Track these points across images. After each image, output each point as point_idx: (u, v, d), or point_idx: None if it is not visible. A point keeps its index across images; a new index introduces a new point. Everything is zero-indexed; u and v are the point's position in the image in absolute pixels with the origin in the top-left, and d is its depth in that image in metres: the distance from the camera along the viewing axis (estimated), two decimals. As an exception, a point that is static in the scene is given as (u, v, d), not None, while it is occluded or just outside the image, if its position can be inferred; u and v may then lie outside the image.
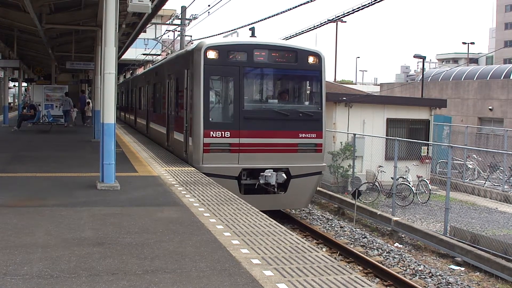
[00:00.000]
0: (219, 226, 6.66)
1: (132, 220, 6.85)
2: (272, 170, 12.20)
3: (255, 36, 13.47)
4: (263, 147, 12.32)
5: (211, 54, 12.03)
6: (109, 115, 9.14)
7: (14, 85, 52.52)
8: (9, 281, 4.53)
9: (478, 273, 10.69)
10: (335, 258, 10.59)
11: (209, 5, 24.20)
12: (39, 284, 4.49)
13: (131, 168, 11.69)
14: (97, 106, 17.61)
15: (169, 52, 27.22)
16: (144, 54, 36.19)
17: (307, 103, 13.42)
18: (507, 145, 23.14)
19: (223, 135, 12.04)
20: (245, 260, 5.33)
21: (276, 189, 12.42)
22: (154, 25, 36.36)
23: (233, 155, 12.14)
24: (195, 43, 13.37)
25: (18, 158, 13.31)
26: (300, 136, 12.55)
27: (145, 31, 23.88)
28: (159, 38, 36.19)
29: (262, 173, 12.19)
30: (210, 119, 12.06)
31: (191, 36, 30.25)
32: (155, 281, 4.65)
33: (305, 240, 6.42)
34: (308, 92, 13.67)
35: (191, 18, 27.42)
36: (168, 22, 33.66)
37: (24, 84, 41.20)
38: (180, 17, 27.94)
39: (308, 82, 13.54)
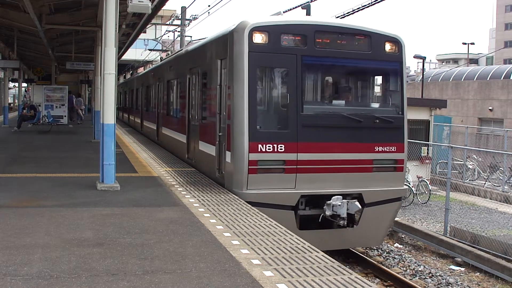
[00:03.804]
0: (219, 227, 6.66)
1: (132, 221, 6.85)
2: (341, 196, 9.09)
3: (311, 16, 10.81)
4: (328, 165, 9.28)
5: (258, 38, 8.86)
6: (109, 115, 9.15)
7: (14, 86, 52.63)
8: (9, 282, 4.53)
9: (478, 273, 10.68)
10: (335, 259, 10.57)
11: (209, 5, 24.31)
12: (39, 285, 4.49)
13: (131, 168, 11.70)
14: (97, 107, 17.61)
15: (169, 52, 27.15)
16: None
17: (383, 105, 10.47)
18: (507, 145, 23.16)
19: (276, 149, 8.91)
20: (245, 260, 5.33)
21: (345, 222, 9.23)
22: (154, 26, 36.32)
23: (289, 176, 9.01)
24: (235, 23, 9.42)
25: (18, 158, 13.31)
26: (376, 150, 9.53)
27: (145, 32, 23.86)
28: (159, 38, 36.20)
29: (328, 202, 9.05)
30: (258, 127, 8.93)
31: (191, 36, 30.24)
32: (155, 281, 4.66)
33: (305, 241, 6.41)
34: (384, 90, 10.59)
35: (191, 18, 27.48)
36: (168, 23, 33.67)
37: (24, 84, 41.21)
38: (180, 17, 27.99)
39: (385, 77, 10.43)
